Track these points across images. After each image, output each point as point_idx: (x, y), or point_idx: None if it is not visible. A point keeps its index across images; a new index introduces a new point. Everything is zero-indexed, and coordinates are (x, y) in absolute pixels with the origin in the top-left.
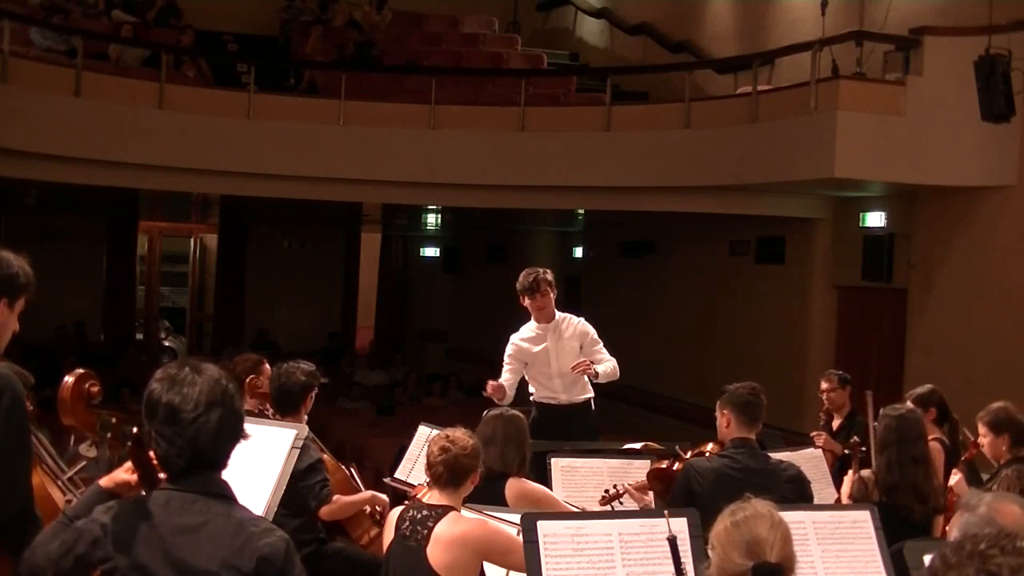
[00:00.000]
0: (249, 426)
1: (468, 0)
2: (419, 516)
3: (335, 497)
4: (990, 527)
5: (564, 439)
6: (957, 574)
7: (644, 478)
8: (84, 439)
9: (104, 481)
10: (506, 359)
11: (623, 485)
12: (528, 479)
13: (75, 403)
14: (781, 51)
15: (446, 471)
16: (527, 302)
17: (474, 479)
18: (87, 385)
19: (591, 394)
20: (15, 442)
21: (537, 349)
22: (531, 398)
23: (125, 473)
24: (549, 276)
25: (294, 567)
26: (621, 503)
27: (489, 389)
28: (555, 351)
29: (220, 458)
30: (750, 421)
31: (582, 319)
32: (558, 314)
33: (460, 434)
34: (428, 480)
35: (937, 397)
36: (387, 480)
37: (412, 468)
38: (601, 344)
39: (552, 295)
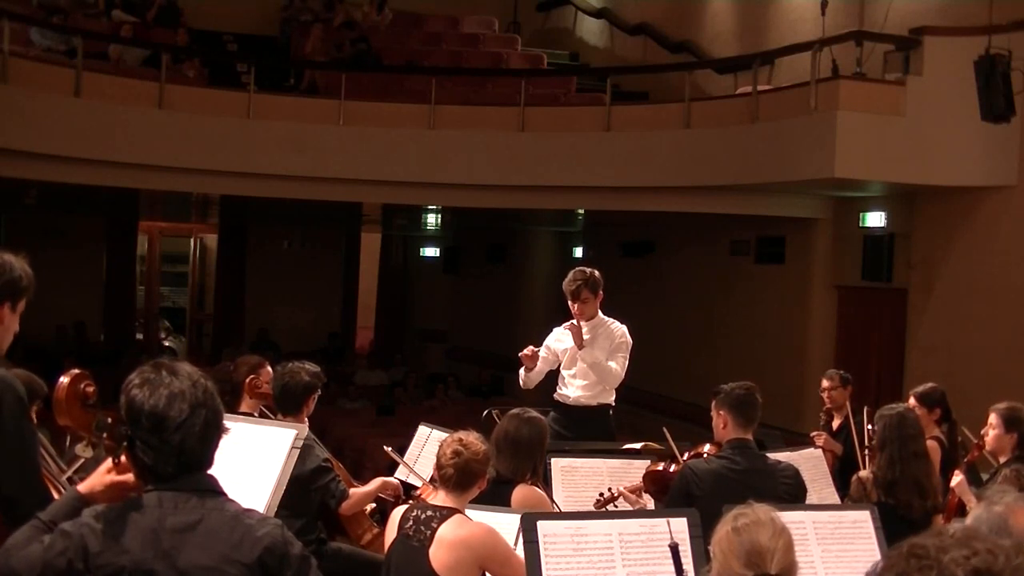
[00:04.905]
0: (249, 426)
1: (468, 0)
2: (423, 516)
3: (351, 491)
4: (1001, 527)
5: (580, 440)
6: (892, 572)
7: (639, 480)
8: (80, 439)
9: (83, 488)
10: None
11: (618, 488)
12: (539, 487)
13: (70, 403)
14: (781, 51)
15: (456, 473)
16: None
17: (481, 484)
18: (82, 386)
19: (610, 400)
20: (28, 437)
21: (564, 345)
22: (554, 396)
23: (109, 475)
24: (592, 280)
25: (293, 548)
26: (616, 506)
27: (527, 350)
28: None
29: (207, 458)
30: (747, 421)
31: (624, 327)
32: (601, 316)
33: (473, 438)
34: (434, 479)
35: (940, 396)
36: (388, 449)
37: (410, 469)
38: (623, 355)
39: (593, 299)
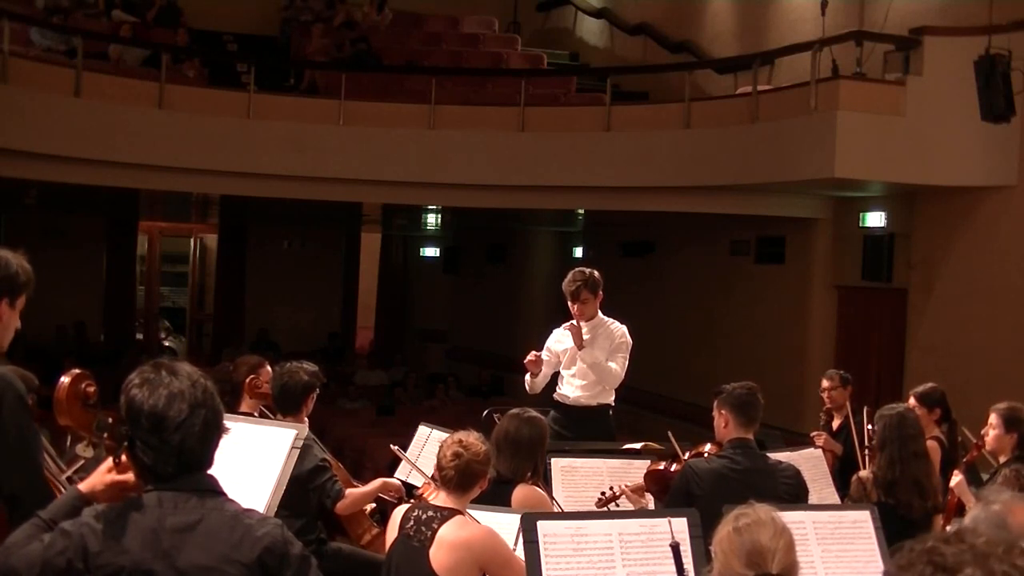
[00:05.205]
0: (249, 426)
1: (468, 0)
2: (424, 517)
3: (347, 491)
4: (1000, 526)
5: (580, 440)
6: (909, 573)
7: (640, 480)
8: (80, 439)
9: (83, 487)
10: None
11: (620, 487)
12: (540, 486)
13: (71, 403)
14: (781, 51)
15: (456, 475)
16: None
17: (482, 485)
18: (83, 385)
19: (610, 400)
20: (29, 435)
21: (564, 345)
22: (554, 396)
23: (109, 475)
24: (591, 280)
25: (293, 548)
26: (617, 505)
27: (531, 355)
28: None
29: (207, 458)
30: (748, 421)
31: (624, 327)
32: (601, 316)
33: (473, 439)
34: (435, 478)
35: (940, 396)
36: (394, 448)
37: (411, 468)
38: (623, 355)
39: (593, 299)
